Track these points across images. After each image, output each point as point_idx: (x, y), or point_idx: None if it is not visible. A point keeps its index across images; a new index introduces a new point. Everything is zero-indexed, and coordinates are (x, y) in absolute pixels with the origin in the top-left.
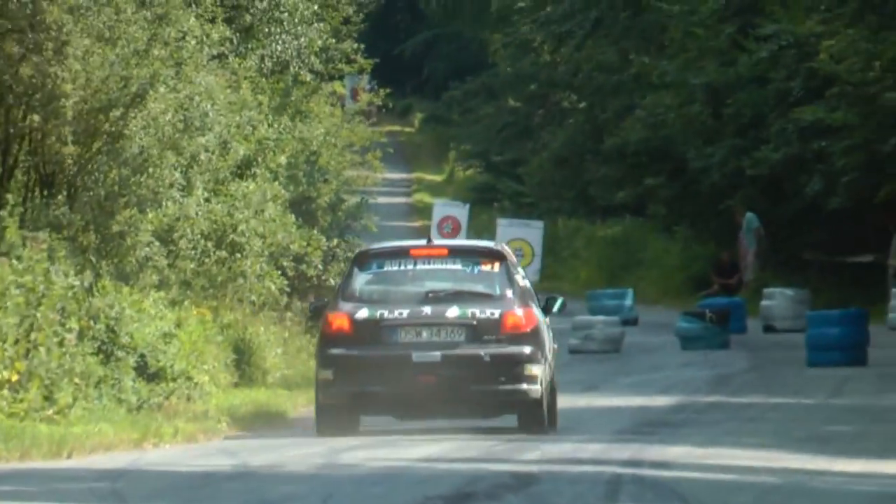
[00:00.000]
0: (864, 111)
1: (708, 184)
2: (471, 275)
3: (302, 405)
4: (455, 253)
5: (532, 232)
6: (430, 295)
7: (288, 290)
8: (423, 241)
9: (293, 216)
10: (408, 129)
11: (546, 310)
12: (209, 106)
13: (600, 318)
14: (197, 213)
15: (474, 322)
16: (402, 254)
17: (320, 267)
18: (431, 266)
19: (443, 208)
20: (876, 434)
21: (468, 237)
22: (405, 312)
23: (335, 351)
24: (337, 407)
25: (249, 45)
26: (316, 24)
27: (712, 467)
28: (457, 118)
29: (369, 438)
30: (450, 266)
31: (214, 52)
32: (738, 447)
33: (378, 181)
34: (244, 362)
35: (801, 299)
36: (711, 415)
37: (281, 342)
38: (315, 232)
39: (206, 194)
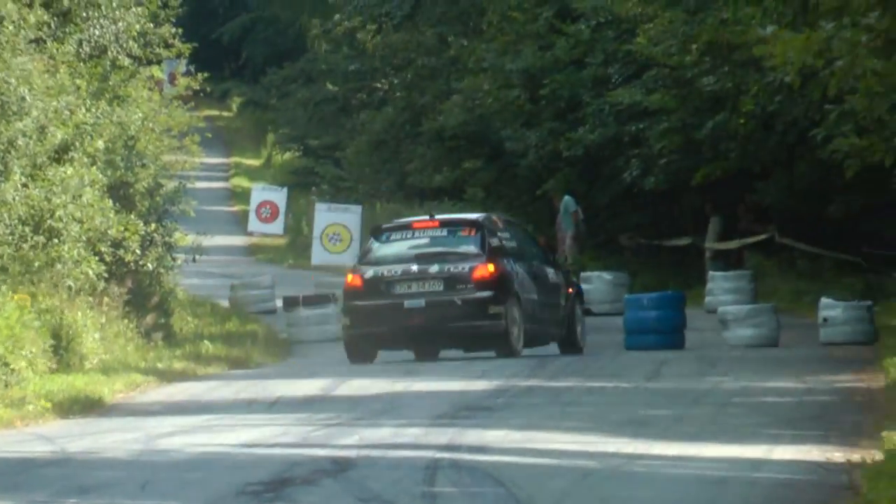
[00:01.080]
0: (681, 94)
1: (525, 166)
2: (452, 239)
3: (119, 391)
4: (444, 224)
5: (350, 216)
6: (419, 256)
7: (105, 275)
8: (425, 217)
9: (111, 201)
10: (226, 114)
11: (556, 265)
12: (27, 90)
13: None
14: (14, 199)
15: (449, 275)
16: (405, 227)
17: (138, 252)
18: (425, 235)
19: (261, 193)
20: (693, 417)
21: (286, 221)
22: (399, 270)
23: (351, 303)
24: (356, 344)
25: (67, 30)
26: (134, 9)
27: (530, 451)
28: (275, 102)
29: (187, 424)
30: (438, 234)
31: (32, 36)
32: (555, 431)
33: (196, 166)
34: (62, 348)
35: (619, 283)
36: (529, 399)
37: (98, 327)
38: (133, 217)
39: (23, 179)
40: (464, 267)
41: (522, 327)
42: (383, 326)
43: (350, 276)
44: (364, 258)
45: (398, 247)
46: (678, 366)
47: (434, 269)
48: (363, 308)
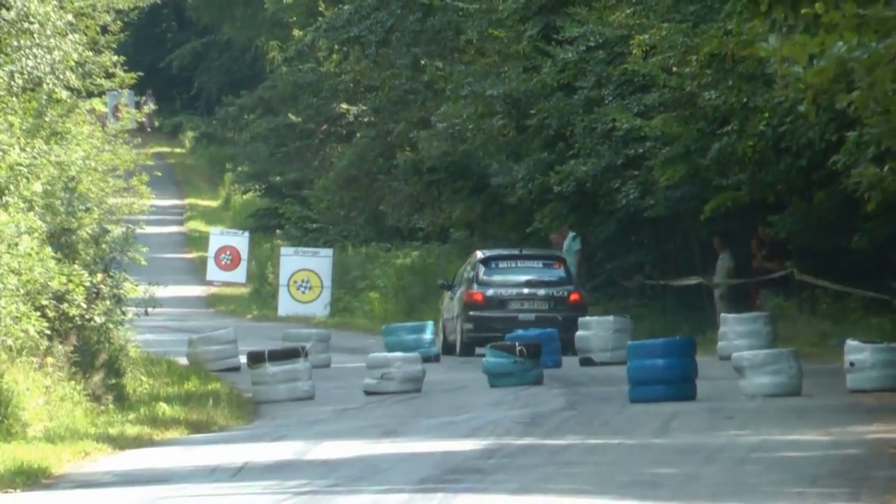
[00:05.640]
0: (682, 115)
1: (513, 201)
2: (548, 270)
3: (67, 460)
4: (537, 258)
5: (320, 261)
6: (528, 282)
7: (48, 332)
8: (517, 251)
9: (51, 250)
10: (178, 150)
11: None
12: None
13: (398, 354)
14: None
15: (553, 298)
16: (510, 258)
17: (84, 306)
18: (527, 264)
19: (220, 238)
20: (708, 476)
21: (248, 268)
22: (514, 292)
23: (473, 313)
24: (474, 346)
25: None
26: (71, 36)
27: None
28: (232, 136)
29: (144, 496)
30: (536, 265)
31: None
32: (555, 495)
33: (146, 208)
34: (1, 414)
35: (622, 328)
36: (525, 459)
37: (43, 390)
38: (77, 267)
39: None
40: (562, 292)
41: None
42: (501, 332)
43: (471, 293)
44: (478, 280)
45: (507, 273)
46: (689, 419)
47: (541, 292)
48: (485, 318)
